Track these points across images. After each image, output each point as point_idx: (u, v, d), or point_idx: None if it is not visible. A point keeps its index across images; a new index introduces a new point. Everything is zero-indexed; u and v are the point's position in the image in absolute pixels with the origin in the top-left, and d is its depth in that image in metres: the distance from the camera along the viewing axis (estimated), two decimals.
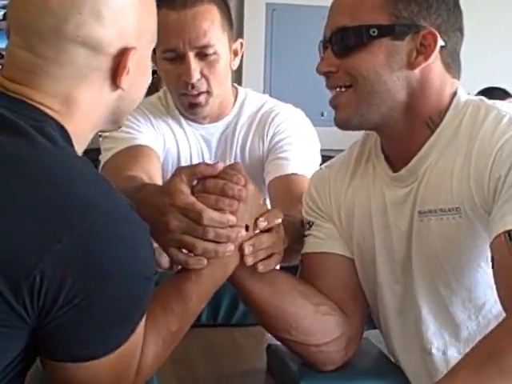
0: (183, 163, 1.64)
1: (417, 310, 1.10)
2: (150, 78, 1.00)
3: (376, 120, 1.07)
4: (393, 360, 1.18)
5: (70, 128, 0.89)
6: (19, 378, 0.87)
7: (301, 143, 1.64)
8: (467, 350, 0.89)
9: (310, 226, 1.21)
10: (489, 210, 0.98)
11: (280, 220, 1.05)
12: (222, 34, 1.53)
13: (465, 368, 0.85)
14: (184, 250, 1.00)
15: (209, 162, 1.64)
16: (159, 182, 1.46)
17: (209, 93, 1.55)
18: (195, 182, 1.01)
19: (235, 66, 1.62)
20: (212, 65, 1.52)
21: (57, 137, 0.86)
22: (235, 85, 1.71)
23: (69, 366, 0.85)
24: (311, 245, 1.19)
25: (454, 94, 1.08)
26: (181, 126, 1.65)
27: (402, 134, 1.08)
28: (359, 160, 1.19)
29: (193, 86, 1.52)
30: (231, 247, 0.99)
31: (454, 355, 1.07)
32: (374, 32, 1.03)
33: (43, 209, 0.77)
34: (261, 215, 1.02)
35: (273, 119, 1.65)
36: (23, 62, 0.89)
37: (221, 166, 1.02)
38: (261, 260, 1.03)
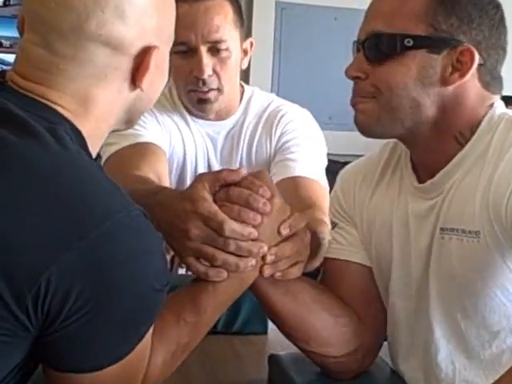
0: (188, 162, 1.62)
1: (429, 331, 1.07)
2: (167, 77, 0.98)
3: (400, 132, 1.04)
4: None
5: (85, 130, 0.88)
6: None
7: (308, 144, 1.62)
8: (477, 378, 0.90)
9: (334, 227, 1.20)
10: (508, 239, 0.95)
11: (303, 224, 1.02)
12: (234, 31, 1.52)
13: None
14: (203, 261, 0.97)
15: (214, 159, 1.63)
16: (167, 182, 1.43)
17: (219, 90, 1.53)
18: (217, 189, 0.98)
19: (245, 65, 1.61)
20: (224, 61, 1.50)
21: (69, 140, 0.84)
22: (241, 82, 1.69)
23: (72, 376, 0.83)
24: (333, 250, 1.19)
25: (491, 106, 1.03)
26: (187, 123, 1.63)
27: (429, 146, 1.05)
28: (386, 167, 1.17)
29: (204, 82, 1.50)
30: (252, 262, 0.97)
31: (462, 382, 1.05)
32: (408, 42, 0.98)
33: (51, 216, 0.75)
34: (283, 221, 0.99)
35: (280, 118, 1.63)
36: (39, 59, 0.88)
37: (244, 171, 1.00)
38: (282, 270, 1.01)
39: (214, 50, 1.49)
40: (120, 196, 0.81)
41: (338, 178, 1.26)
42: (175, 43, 1.42)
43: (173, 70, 1.49)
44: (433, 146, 1.04)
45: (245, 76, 2.95)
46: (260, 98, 1.68)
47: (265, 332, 1.42)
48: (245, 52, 1.58)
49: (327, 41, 3.07)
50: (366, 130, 1.06)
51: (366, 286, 1.17)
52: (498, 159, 0.98)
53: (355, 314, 1.16)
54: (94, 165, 0.85)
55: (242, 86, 1.69)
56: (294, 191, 1.45)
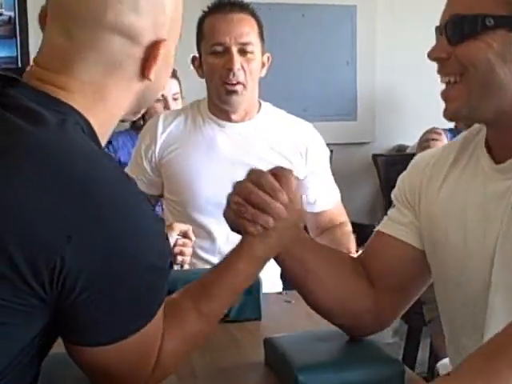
0: (214, 156, 1.92)
1: (488, 305, 1.09)
2: (171, 70, 1.04)
3: (487, 115, 1.07)
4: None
5: (95, 120, 0.93)
6: (37, 360, 0.92)
7: (328, 164, 2.05)
8: None
9: (393, 207, 1.26)
10: None
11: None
12: (258, 40, 1.89)
13: (475, 359, 0.87)
14: None
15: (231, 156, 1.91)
16: None
17: (244, 86, 1.85)
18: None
19: (263, 74, 1.94)
20: (249, 61, 1.85)
21: (78, 131, 0.89)
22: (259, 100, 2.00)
23: (87, 349, 0.89)
24: (382, 224, 1.26)
25: None
26: (211, 127, 1.94)
27: None
28: (461, 154, 1.18)
29: (233, 74, 1.82)
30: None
31: None
32: (489, 22, 1.01)
33: (66, 201, 0.81)
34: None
35: (312, 141, 2.00)
36: (59, 47, 0.93)
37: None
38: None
39: (243, 51, 1.84)
40: (129, 187, 0.88)
41: (410, 164, 1.30)
42: (213, 44, 1.85)
43: (209, 68, 1.88)
44: None
45: None
46: (278, 111, 2.01)
47: (259, 318, 1.46)
48: (263, 64, 1.92)
49: (296, 36, 3.11)
50: (455, 115, 1.10)
51: (402, 264, 1.22)
52: None
53: (375, 287, 1.22)
54: (102, 153, 0.91)
55: (260, 102, 1.99)
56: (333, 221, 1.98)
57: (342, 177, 3.30)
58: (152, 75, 0.95)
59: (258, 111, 1.97)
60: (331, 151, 3.26)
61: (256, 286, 1.45)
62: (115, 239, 0.83)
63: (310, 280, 1.20)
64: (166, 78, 1.03)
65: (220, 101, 1.90)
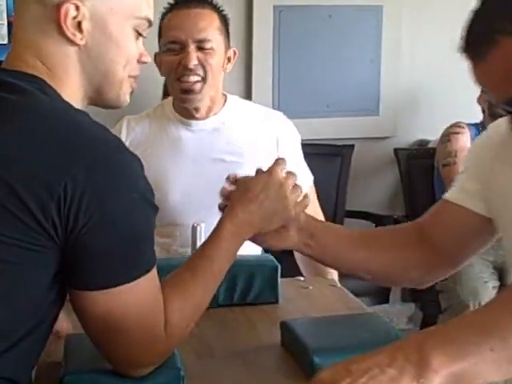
0: (180, 155, 1.78)
1: None
2: (129, 52, 1.04)
3: None
4: None
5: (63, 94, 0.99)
6: (56, 305, 0.96)
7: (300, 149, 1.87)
8: None
9: (462, 173, 1.28)
10: None
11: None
12: (219, 36, 1.73)
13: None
14: None
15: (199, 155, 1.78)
16: None
17: (204, 80, 1.70)
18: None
19: (228, 69, 1.80)
20: (208, 56, 1.70)
21: (57, 96, 0.97)
22: (224, 92, 1.86)
23: (95, 294, 0.92)
24: (451, 192, 1.27)
25: None
26: (176, 127, 1.80)
27: None
28: None
29: (190, 70, 1.68)
30: None
31: None
32: None
33: (61, 144, 0.89)
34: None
35: (283, 129, 1.83)
36: (14, 25, 1.03)
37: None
38: None
39: (200, 47, 1.69)
40: (103, 128, 0.95)
41: (484, 132, 1.30)
42: (168, 42, 1.71)
43: (165, 67, 1.73)
44: None
45: (247, 73, 2.96)
46: (241, 100, 1.89)
47: (276, 301, 1.45)
48: (228, 59, 1.78)
49: (323, 36, 3.08)
50: None
51: (466, 230, 1.23)
52: None
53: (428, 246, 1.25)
54: (83, 112, 0.98)
55: (224, 94, 1.84)
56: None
57: (364, 170, 3.28)
58: (80, 39, 0.98)
59: (224, 105, 1.82)
60: (352, 145, 3.26)
61: (274, 270, 1.44)
62: (107, 175, 0.89)
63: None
64: (114, 54, 1.02)
65: (178, 99, 1.77)
